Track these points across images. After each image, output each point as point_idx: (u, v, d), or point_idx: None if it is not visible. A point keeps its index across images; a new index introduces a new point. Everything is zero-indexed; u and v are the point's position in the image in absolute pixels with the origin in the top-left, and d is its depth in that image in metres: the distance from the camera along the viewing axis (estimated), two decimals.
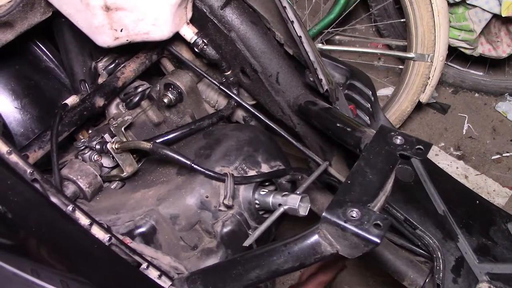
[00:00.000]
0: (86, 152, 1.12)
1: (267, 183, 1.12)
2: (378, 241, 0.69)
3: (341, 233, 0.71)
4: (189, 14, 1.14)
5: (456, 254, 1.11)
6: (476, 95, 2.64)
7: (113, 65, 1.22)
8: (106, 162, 1.13)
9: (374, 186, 0.78)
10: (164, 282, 0.87)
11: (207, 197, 1.02)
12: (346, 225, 0.70)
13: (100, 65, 1.22)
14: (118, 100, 1.23)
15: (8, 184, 0.77)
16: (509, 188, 2.24)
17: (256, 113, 1.18)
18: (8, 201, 0.77)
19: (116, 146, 1.06)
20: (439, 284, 1.07)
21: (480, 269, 1.09)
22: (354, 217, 0.71)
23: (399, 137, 0.84)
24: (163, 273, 0.88)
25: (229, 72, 1.21)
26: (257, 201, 1.05)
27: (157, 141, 1.14)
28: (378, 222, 0.70)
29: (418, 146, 0.82)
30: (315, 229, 0.75)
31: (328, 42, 2.57)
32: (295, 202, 1.00)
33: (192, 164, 0.99)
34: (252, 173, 1.07)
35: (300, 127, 1.24)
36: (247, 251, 0.85)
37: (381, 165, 0.81)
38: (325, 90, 1.13)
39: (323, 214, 0.72)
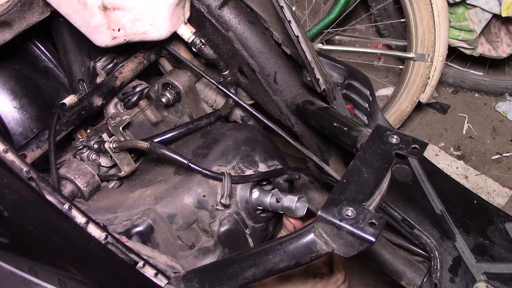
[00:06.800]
0: (84, 151, 1.12)
1: (264, 183, 1.12)
2: (373, 239, 0.69)
3: (337, 231, 0.72)
4: (187, 14, 1.14)
5: (454, 254, 1.11)
6: (476, 95, 2.64)
7: (111, 64, 1.22)
8: (104, 161, 1.13)
9: (370, 185, 0.78)
10: (161, 280, 0.88)
11: (204, 196, 1.03)
12: (341, 223, 0.71)
13: (99, 64, 1.22)
14: (116, 99, 1.23)
15: (5, 182, 0.77)
16: (509, 188, 2.24)
17: (254, 112, 1.18)
18: (5, 199, 0.77)
19: (114, 146, 1.06)
20: (436, 284, 1.07)
21: (478, 268, 1.09)
22: (349, 216, 0.72)
23: (395, 136, 0.84)
24: (159, 271, 0.88)
25: (227, 72, 1.22)
26: (255, 201, 1.05)
27: (155, 140, 1.15)
28: (373, 221, 0.70)
29: (414, 145, 0.82)
30: (311, 228, 0.75)
31: (328, 42, 2.57)
32: (291, 203, 1.00)
33: (190, 164, 0.99)
34: (249, 172, 1.07)
35: (298, 126, 1.24)
36: (243, 250, 0.85)
37: (377, 164, 0.81)
38: (322, 89, 1.13)
39: (319, 213, 0.72)
